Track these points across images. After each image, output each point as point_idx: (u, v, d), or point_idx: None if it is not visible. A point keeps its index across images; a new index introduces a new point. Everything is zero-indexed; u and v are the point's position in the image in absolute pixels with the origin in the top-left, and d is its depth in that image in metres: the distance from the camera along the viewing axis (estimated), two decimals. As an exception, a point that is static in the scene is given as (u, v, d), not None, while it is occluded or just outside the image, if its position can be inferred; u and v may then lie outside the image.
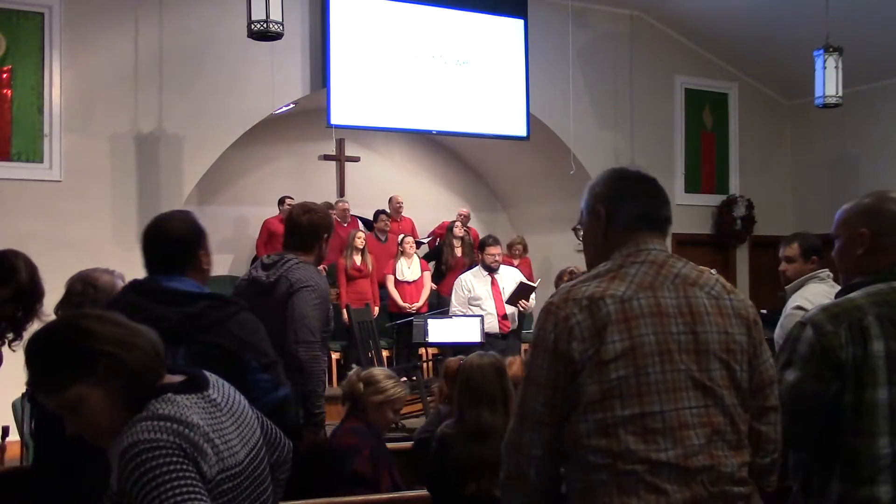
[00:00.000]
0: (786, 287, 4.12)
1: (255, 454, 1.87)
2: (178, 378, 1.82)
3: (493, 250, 6.86)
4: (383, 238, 9.40)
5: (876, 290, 2.14)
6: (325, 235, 3.67)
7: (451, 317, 6.90)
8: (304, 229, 3.61)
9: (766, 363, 1.91)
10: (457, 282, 7.05)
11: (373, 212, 9.82)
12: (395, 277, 8.73)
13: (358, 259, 8.60)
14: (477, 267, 7.10)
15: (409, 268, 8.81)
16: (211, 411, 1.78)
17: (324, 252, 3.71)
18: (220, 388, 1.89)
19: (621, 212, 1.96)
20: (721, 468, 1.77)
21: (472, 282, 6.87)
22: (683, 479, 1.74)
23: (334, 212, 9.31)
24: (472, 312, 6.71)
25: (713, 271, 3.91)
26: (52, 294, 3.03)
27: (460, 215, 10.03)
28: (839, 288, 3.75)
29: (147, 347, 1.77)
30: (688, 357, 1.80)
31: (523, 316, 6.98)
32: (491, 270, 6.85)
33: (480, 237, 9.83)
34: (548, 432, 1.83)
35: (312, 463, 3.33)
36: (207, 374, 1.90)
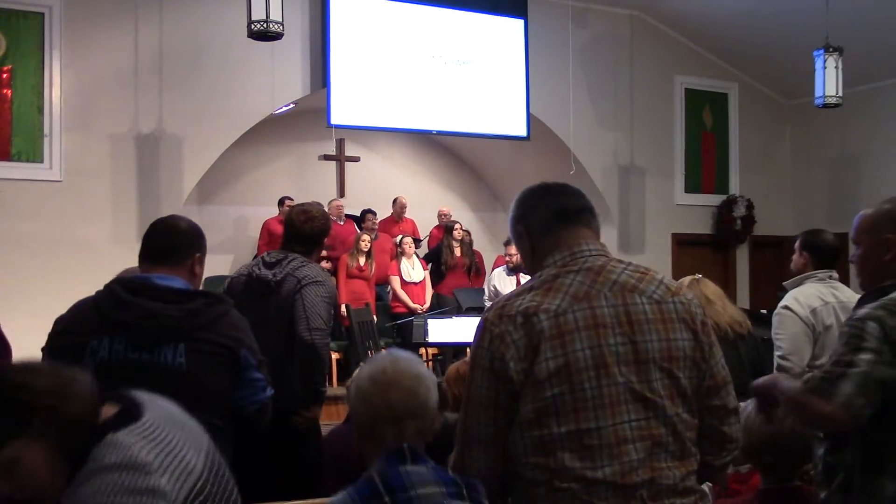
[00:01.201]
0: (784, 283, 4.12)
1: (212, 457, 1.75)
2: (111, 410, 1.67)
3: (511, 249, 6.93)
4: (373, 236, 9.40)
5: None
6: (325, 239, 3.78)
7: (450, 317, 6.93)
8: (307, 237, 3.68)
9: (717, 365, 1.87)
10: (488, 277, 7.26)
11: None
12: (402, 279, 8.74)
13: (362, 260, 8.62)
14: (502, 267, 7.23)
15: (413, 268, 8.84)
16: (156, 436, 1.65)
17: (321, 252, 3.86)
18: (154, 404, 1.75)
19: (535, 219, 1.93)
20: (662, 481, 1.74)
21: (500, 279, 7.02)
22: (621, 496, 1.72)
23: (329, 210, 9.32)
24: None
25: (699, 276, 3.90)
26: (53, 293, 3.03)
27: (442, 214, 10.05)
28: (840, 289, 3.79)
29: (84, 393, 1.63)
30: (627, 369, 1.76)
31: None
32: (513, 270, 6.92)
33: (472, 236, 9.87)
34: (494, 452, 1.80)
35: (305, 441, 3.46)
36: (139, 395, 1.76)
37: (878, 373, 2.04)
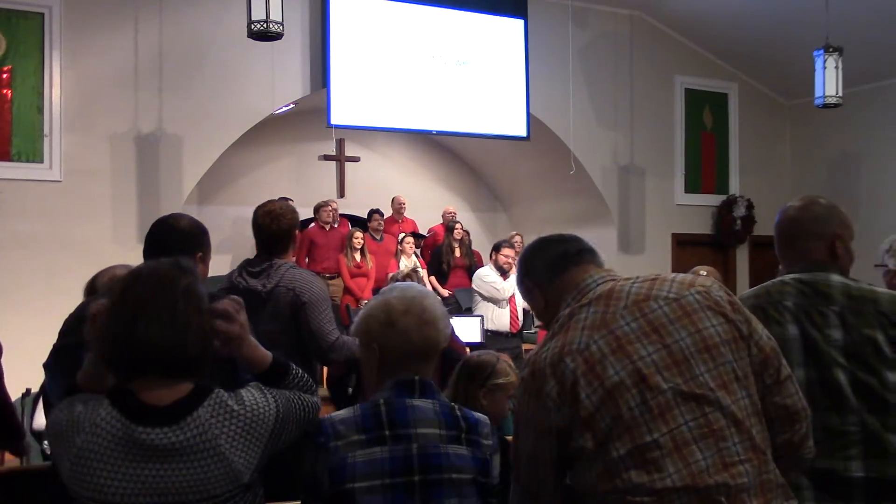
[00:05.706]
0: None
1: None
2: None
3: (508, 252, 6.95)
4: (378, 237, 9.41)
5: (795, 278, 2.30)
6: (295, 234, 3.61)
7: (450, 316, 6.91)
8: (277, 236, 3.52)
9: (762, 338, 1.85)
10: (482, 275, 7.11)
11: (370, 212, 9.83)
12: (400, 277, 8.80)
13: (357, 257, 8.75)
14: (488, 266, 7.17)
15: (411, 267, 8.89)
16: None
17: (294, 248, 3.68)
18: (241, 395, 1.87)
19: (539, 269, 2.00)
20: (738, 479, 1.70)
21: (493, 276, 7.00)
22: (697, 501, 1.68)
23: (327, 210, 9.21)
24: (494, 306, 6.88)
25: (704, 271, 3.89)
26: (53, 293, 3.03)
27: (448, 213, 10.04)
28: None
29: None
30: (669, 373, 1.75)
31: (528, 315, 7.12)
32: (503, 272, 6.94)
33: (472, 236, 9.87)
34: (551, 496, 1.84)
35: None
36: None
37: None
